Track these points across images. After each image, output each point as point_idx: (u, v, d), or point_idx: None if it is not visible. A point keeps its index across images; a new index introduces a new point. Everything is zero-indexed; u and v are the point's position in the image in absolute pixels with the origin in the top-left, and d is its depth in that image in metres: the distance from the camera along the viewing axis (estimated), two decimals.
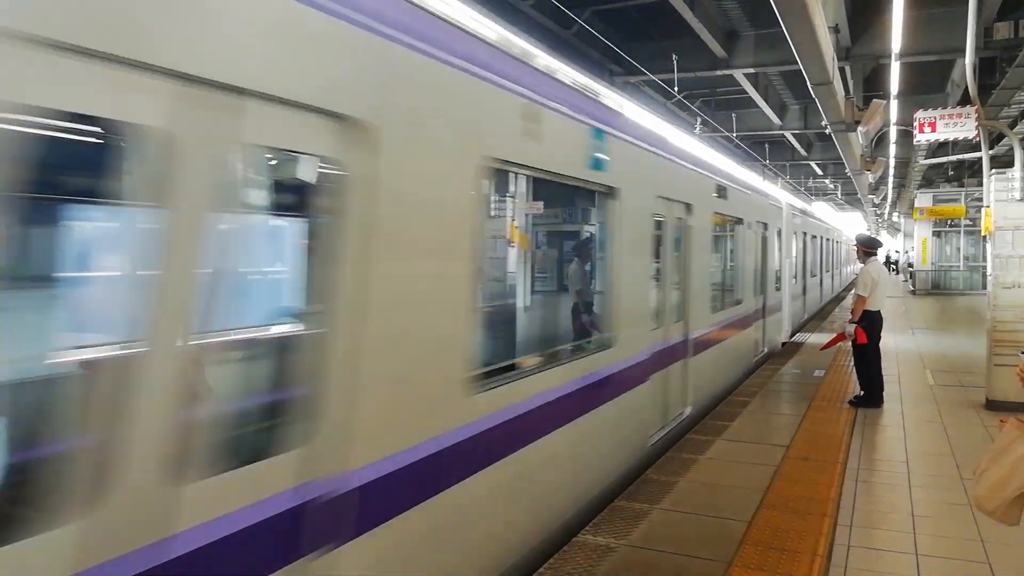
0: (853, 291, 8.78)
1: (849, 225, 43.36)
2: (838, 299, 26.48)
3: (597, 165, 5.23)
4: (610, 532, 4.65)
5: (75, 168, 3.15)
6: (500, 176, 5.04)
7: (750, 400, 8.73)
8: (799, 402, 8.62)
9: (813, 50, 10.28)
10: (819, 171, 34.22)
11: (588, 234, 7.04)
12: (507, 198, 6.79)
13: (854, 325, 8.37)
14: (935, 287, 29.14)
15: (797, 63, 11.15)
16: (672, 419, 7.17)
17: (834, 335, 9.04)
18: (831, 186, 40.09)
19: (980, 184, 28.48)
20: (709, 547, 4.46)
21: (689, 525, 4.84)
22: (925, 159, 20.31)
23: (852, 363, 9.00)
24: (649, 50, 15.18)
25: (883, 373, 8.77)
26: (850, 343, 8.56)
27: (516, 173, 5.01)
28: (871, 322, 8.45)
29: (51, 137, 2.22)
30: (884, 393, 8.57)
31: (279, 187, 3.01)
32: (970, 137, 12.33)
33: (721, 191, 9.09)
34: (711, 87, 18.63)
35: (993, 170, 9.21)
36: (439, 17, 3.47)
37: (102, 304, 3.69)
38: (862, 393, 8.54)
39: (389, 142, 2.94)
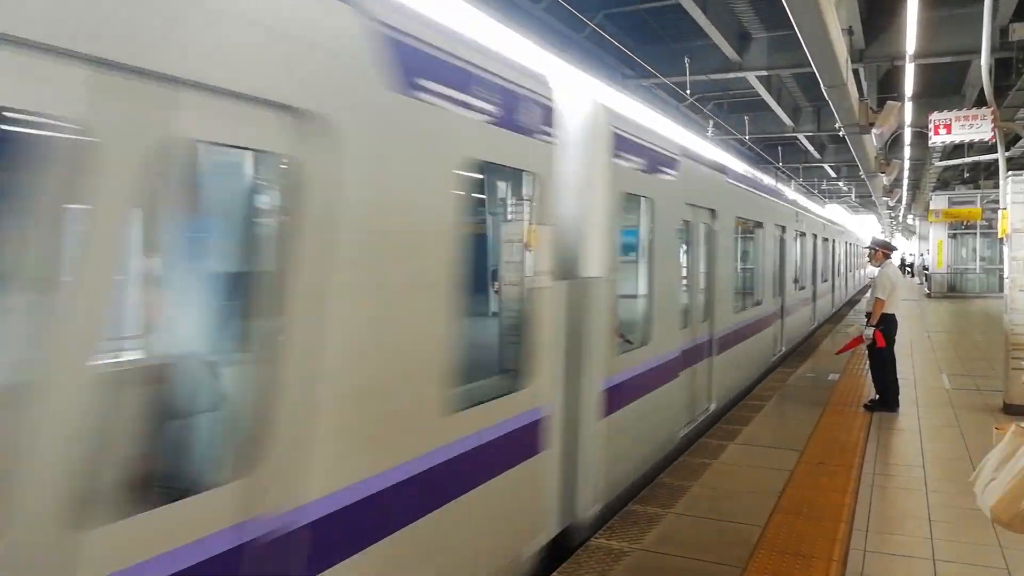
0: (870, 293, 8.72)
1: (863, 226, 43.08)
2: (849, 304, 26.29)
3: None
4: (624, 536, 4.64)
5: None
6: None
7: (764, 404, 8.68)
8: (813, 406, 8.56)
9: (827, 52, 10.23)
10: (833, 174, 34.02)
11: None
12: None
13: (872, 328, 8.30)
14: (951, 290, 28.87)
15: (811, 65, 11.10)
16: (699, 414, 7.46)
17: (850, 339, 8.94)
18: (845, 189, 39.86)
19: (996, 186, 28.17)
20: (723, 551, 4.44)
21: (703, 529, 4.82)
22: (940, 161, 20.17)
23: (867, 367, 8.93)
24: (661, 53, 15.14)
25: (899, 377, 8.70)
26: (866, 347, 8.50)
27: None
28: (888, 325, 8.38)
29: None
30: (900, 397, 8.50)
31: None
32: (986, 139, 12.25)
33: (742, 196, 9.34)
34: (724, 90, 18.56)
35: (1009, 172, 9.13)
36: None
37: None
38: (877, 397, 8.48)
39: None
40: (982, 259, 29.19)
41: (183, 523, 2.12)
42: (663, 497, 5.37)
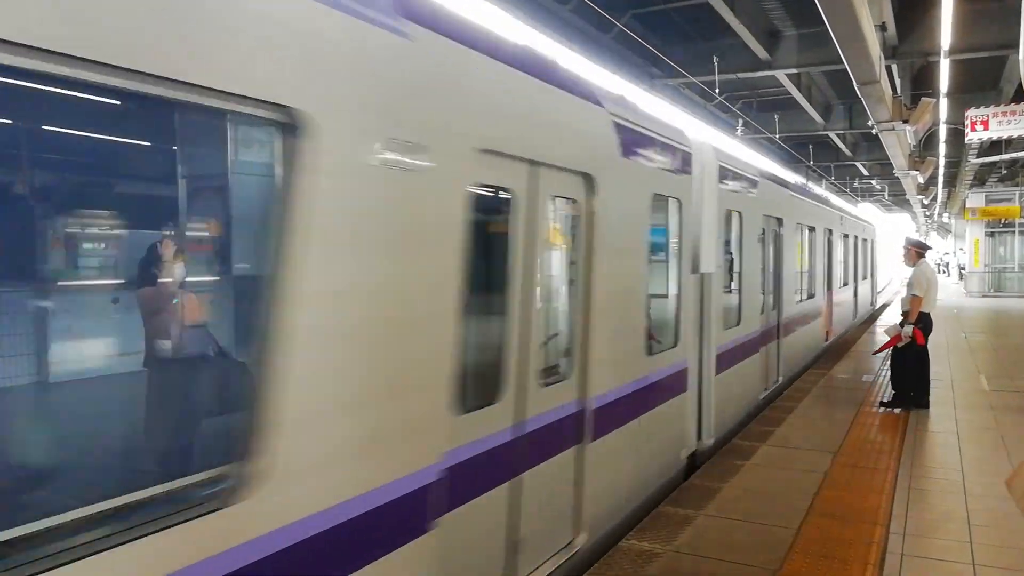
0: (907, 291, 8.57)
1: (895, 225, 42.32)
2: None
3: None
4: (655, 538, 4.62)
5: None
6: None
7: (796, 405, 8.58)
8: (847, 407, 8.44)
9: (859, 49, 10.08)
10: (865, 172, 33.48)
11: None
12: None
13: (911, 326, 8.15)
14: (989, 289, 28.28)
15: (842, 63, 10.94)
16: (771, 383, 9.16)
17: (888, 338, 8.70)
18: (878, 187, 39.19)
19: None
20: (756, 554, 4.40)
21: (735, 531, 4.78)
22: (977, 158, 19.74)
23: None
24: (690, 52, 15.04)
25: (933, 378, 8.55)
26: (899, 345, 8.34)
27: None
28: (924, 324, 8.24)
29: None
30: (914, 397, 8.35)
31: None
32: None
33: (799, 205, 10.79)
34: (753, 88, 18.37)
35: None
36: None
37: None
38: (895, 394, 8.46)
39: None
40: (1022, 257, 28.56)
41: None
42: (695, 498, 5.34)
